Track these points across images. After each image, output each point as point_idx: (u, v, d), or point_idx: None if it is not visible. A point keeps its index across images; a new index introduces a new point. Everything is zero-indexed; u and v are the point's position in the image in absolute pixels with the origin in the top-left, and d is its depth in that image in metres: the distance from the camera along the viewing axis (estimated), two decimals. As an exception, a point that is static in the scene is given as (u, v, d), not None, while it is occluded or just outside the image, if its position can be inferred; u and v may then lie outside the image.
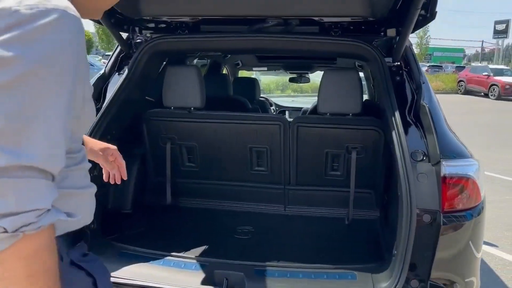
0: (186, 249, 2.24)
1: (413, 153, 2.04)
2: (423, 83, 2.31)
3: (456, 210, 1.96)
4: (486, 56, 64.14)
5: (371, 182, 2.77)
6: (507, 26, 40.86)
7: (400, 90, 2.32)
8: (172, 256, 2.14)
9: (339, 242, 2.47)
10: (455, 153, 2.07)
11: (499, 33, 42.06)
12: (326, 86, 2.61)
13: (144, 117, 2.80)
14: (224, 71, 4.97)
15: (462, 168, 2.02)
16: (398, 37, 2.33)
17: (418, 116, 2.18)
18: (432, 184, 1.96)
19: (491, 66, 26.31)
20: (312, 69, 5.32)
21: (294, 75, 5.63)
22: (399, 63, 2.39)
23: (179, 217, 2.80)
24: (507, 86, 20.46)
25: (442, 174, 1.93)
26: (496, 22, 42.70)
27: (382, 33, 2.49)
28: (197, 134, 2.83)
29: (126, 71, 2.56)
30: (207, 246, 2.35)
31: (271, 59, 4.83)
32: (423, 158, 2.03)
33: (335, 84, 2.60)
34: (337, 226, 2.68)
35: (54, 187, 0.77)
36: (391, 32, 2.34)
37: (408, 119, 2.19)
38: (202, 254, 2.26)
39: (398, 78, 2.36)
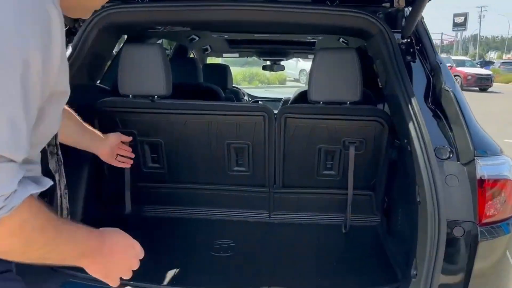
0: (149, 274, 1.75)
1: (437, 149, 1.64)
2: (440, 63, 1.90)
3: (495, 221, 1.57)
4: (444, 48, 66.05)
5: (371, 182, 2.36)
6: (465, 19, 42.04)
7: (412, 73, 1.91)
8: (130, 286, 1.64)
9: (338, 257, 2.05)
10: (486, 149, 1.68)
11: (458, 26, 43.25)
12: (319, 69, 2.17)
13: (95, 109, 2.26)
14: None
15: (497, 167, 1.63)
16: (410, 7, 1.91)
17: (439, 103, 1.78)
18: (464, 189, 1.57)
19: (453, 57, 26.88)
20: (287, 56, 4.87)
21: (267, 63, 5.16)
22: (409, 40, 1.97)
23: (141, 230, 2.29)
24: (469, 77, 20.92)
25: (478, 176, 1.53)
26: (455, 15, 43.85)
27: (388, 3, 2.06)
28: (163, 129, 2.32)
29: (70, 50, 2.02)
30: (176, 270, 1.87)
31: (244, 44, 4.35)
32: (449, 155, 1.63)
33: (330, 66, 2.15)
34: (333, 236, 2.26)
35: (18, 167, 0.79)
36: (400, 1, 1.90)
37: (427, 107, 1.78)
38: (171, 281, 1.78)
39: (409, 58, 1.95)
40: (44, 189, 0.87)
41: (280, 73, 17.31)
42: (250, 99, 5.43)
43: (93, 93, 2.38)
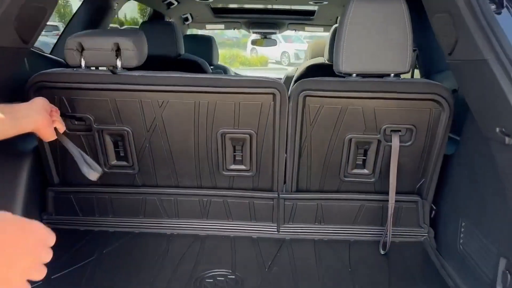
0: None
1: None
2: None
3: None
4: None
5: (418, 185, 1.75)
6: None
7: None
8: None
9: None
10: None
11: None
12: (352, 28, 1.52)
13: (32, 85, 1.57)
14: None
15: None
16: None
17: None
18: None
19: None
20: (281, 28, 4.18)
21: (258, 36, 4.46)
22: None
23: (98, 251, 1.63)
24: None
25: None
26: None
27: None
28: (130, 113, 1.64)
29: None
30: None
31: (231, 13, 3.66)
32: None
33: (368, 23, 1.51)
34: (367, 256, 1.65)
35: None
36: None
37: None
38: None
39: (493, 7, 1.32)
40: None
41: (262, 55, 16.59)
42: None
43: (36, 65, 1.68)
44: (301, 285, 1.46)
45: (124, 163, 1.76)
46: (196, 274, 1.50)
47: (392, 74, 1.57)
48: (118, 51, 1.53)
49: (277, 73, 5.05)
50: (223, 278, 1.48)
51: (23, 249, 0.72)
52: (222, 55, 15.29)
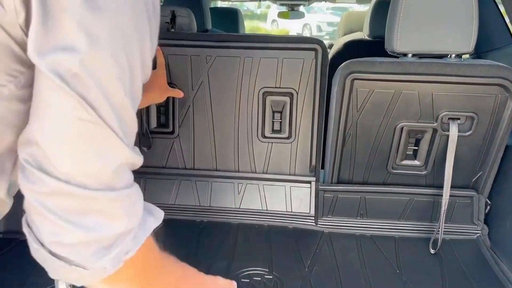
0: None
1: None
2: None
3: None
4: None
5: (474, 178, 1.58)
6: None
7: None
8: None
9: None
10: None
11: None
12: (409, 2, 1.33)
13: None
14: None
15: None
16: None
17: None
18: None
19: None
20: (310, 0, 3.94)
21: (284, 8, 4.22)
22: None
23: None
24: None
25: None
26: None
27: None
28: (179, 69, 1.62)
29: None
30: None
31: None
32: None
33: None
34: (416, 259, 1.50)
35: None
36: None
37: None
38: None
39: None
40: (160, 222, 0.73)
41: (283, 28, 16.17)
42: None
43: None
44: (340, 278, 1.33)
45: (165, 129, 1.68)
46: (231, 272, 1.38)
47: (453, 55, 1.38)
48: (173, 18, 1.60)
49: None
50: (259, 278, 1.36)
51: None
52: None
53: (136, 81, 0.60)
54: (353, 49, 2.27)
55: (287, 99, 1.61)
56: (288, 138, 1.66)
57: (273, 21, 15.30)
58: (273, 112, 1.65)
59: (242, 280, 1.35)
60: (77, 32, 0.52)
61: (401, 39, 1.35)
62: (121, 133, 0.59)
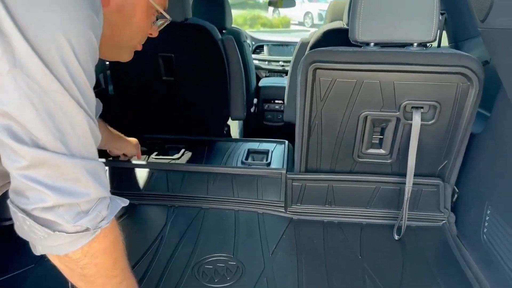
0: None
1: None
2: None
3: None
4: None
5: (440, 167, 1.60)
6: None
7: None
8: None
9: (391, 275, 1.32)
10: None
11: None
12: None
13: None
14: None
15: None
16: None
17: None
18: None
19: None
20: None
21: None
22: None
23: None
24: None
25: None
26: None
27: None
28: None
29: None
30: None
31: None
32: None
33: None
34: (379, 245, 1.53)
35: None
36: None
37: None
38: None
39: None
40: (126, 204, 0.84)
41: (284, 16, 16.02)
42: (253, 43, 4.54)
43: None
44: (307, 273, 1.36)
45: None
46: (195, 258, 1.41)
47: (415, 44, 1.38)
48: None
49: (299, 35, 4.80)
50: (223, 265, 1.39)
51: None
52: (243, 16, 14.93)
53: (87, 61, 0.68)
54: (331, 38, 2.27)
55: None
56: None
57: (275, 9, 15.19)
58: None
59: (206, 266, 1.38)
60: None
61: (363, 28, 1.36)
62: (84, 104, 0.68)
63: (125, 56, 0.97)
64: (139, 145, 1.86)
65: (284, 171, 1.70)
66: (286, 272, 1.36)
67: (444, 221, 1.62)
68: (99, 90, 2.38)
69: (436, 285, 1.32)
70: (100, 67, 2.56)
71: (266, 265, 1.38)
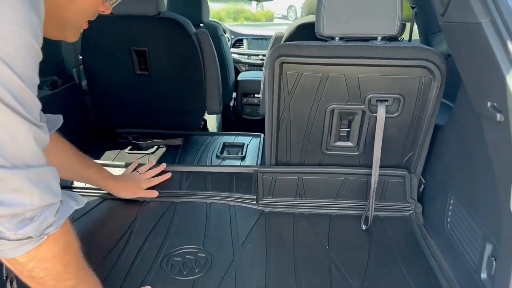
0: None
1: None
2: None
3: None
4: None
5: (405, 158, 1.63)
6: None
7: None
8: None
9: (356, 279, 1.35)
10: None
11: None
12: None
13: None
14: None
15: None
16: None
17: None
18: None
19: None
20: None
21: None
22: None
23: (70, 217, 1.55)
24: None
25: None
26: None
27: None
28: None
29: None
30: None
31: None
32: None
33: None
34: (347, 235, 1.56)
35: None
36: None
37: None
38: None
39: None
40: (81, 206, 0.85)
41: (267, 10, 15.99)
42: (232, 36, 4.54)
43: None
44: (275, 264, 1.38)
45: None
46: (164, 250, 1.42)
47: (379, 38, 1.41)
48: None
49: (282, 29, 4.82)
50: (192, 256, 1.40)
51: None
52: (226, 10, 14.82)
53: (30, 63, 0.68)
54: (305, 32, 2.29)
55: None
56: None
57: (258, 3, 15.15)
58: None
59: (175, 258, 1.39)
60: None
61: (328, 22, 1.38)
62: (23, 110, 0.66)
63: (70, 36, 0.90)
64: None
65: (256, 168, 1.72)
66: (254, 263, 1.38)
67: (411, 211, 1.66)
68: (71, 85, 2.36)
69: (400, 274, 1.35)
70: (73, 62, 2.53)
71: (235, 257, 1.40)
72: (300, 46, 1.42)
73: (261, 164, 1.72)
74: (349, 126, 1.60)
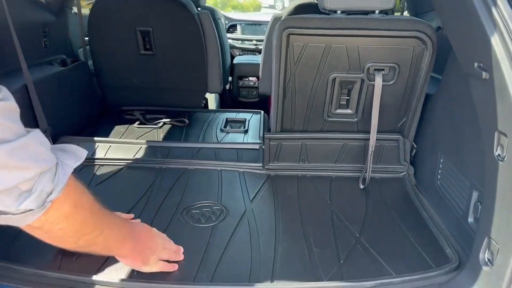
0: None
1: None
2: None
3: None
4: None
5: (400, 123, 1.79)
6: None
7: None
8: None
9: (358, 221, 1.50)
10: None
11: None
12: None
13: None
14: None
15: None
16: None
17: None
18: None
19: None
20: None
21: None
22: None
23: (93, 182, 1.67)
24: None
25: None
26: None
27: None
28: None
29: None
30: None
31: None
32: None
33: None
34: (347, 193, 1.71)
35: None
36: None
37: None
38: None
39: None
40: (82, 161, 0.82)
41: (253, 1, 16.03)
42: (226, 22, 4.64)
43: None
44: (282, 214, 1.53)
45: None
46: (182, 205, 1.55)
47: (377, 11, 1.55)
48: None
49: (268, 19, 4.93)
50: (208, 209, 1.54)
51: (154, 240, 1.19)
52: (214, 0, 14.78)
53: None
54: (301, 11, 2.42)
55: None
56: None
57: (246, -8, 15.19)
58: None
59: (193, 211, 1.53)
60: None
61: None
62: None
63: None
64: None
65: (261, 144, 1.87)
66: (264, 213, 1.53)
67: (404, 173, 1.82)
68: (80, 63, 2.45)
69: (395, 224, 1.51)
70: (79, 42, 2.63)
71: (247, 209, 1.54)
72: (305, 18, 1.55)
73: (264, 136, 1.85)
74: (348, 95, 1.74)
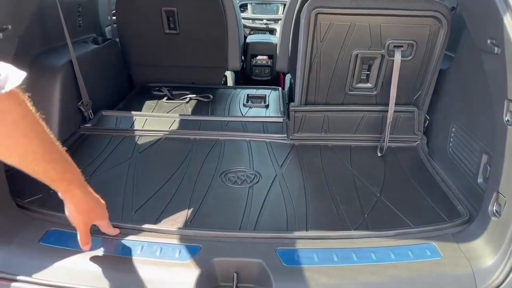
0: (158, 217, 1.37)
1: None
2: None
3: None
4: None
5: (415, 96, 1.95)
6: None
7: None
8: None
9: (378, 185, 1.67)
10: None
11: None
12: None
13: None
14: None
15: None
16: None
17: None
18: None
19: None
20: None
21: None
22: None
23: (134, 152, 1.84)
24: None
25: None
26: None
27: None
28: None
29: None
30: (186, 211, 1.47)
31: None
32: None
33: None
34: (366, 160, 1.88)
35: None
36: None
37: None
38: (184, 225, 1.39)
39: None
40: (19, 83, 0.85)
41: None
42: (238, 1, 4.73)
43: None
44: (309, 177, 1.70)
45: None
46: (220, 170, 1.73)
47: None
48: None
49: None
50: (243, 173, 1.71)
51: (98, 205, 1.16)
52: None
53: None
54: None
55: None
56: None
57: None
58: None
59: (229, 175, 1.70)
60: None
61: None
62: None
63: None
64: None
65: (284, 118, 2.03)
66: (293, 177, 1.70)
67: (417, 142, 1.98)
68: (111, 42, 2.59)
69: (411, 186, 1.69)
70: (106, 21, 2.76)
71: (277, 174, 1.71)
72: None
73: (289, 108, 2.00)
74: (368, 70, 1.89)
